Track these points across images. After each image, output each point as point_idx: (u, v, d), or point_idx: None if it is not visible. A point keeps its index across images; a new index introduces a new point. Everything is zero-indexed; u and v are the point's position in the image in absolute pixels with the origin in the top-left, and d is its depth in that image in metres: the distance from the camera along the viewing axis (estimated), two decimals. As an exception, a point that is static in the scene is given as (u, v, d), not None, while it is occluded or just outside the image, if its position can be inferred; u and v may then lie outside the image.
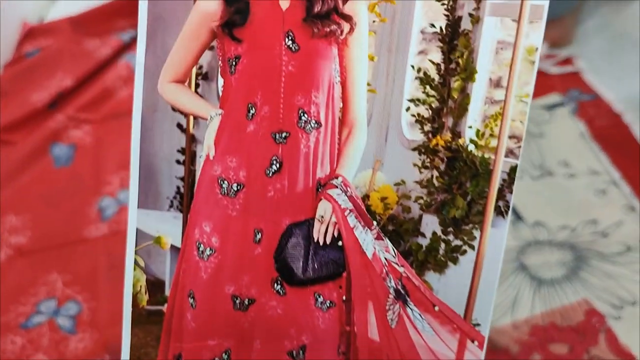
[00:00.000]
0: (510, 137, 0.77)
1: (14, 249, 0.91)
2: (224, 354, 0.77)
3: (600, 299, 0.84)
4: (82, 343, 0.84)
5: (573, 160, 1.01)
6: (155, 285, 0.83)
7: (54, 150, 1.02)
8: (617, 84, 1.12)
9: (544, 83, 1.15)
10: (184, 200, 0.86)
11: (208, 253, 0.77)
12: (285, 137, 0.75)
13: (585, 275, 0.87)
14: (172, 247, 0.82)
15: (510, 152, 0.76)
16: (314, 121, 0.76)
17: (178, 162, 0.85)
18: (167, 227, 0.85)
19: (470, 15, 0.83)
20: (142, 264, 0.81)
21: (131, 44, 1.06)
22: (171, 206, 0.88)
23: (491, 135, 0.79)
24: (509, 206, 0.75)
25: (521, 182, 0.99)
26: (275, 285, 0.77)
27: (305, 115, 0.75)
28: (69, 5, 1.14)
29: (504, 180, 0.76)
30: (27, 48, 1.13)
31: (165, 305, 0.82)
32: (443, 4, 0.83)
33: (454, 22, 0.85)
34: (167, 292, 0.83)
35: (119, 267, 0.81)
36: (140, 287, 0.80)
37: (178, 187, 0.87)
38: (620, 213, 0.93)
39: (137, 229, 0.74)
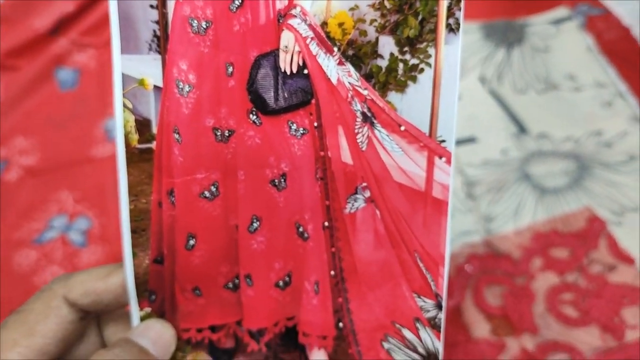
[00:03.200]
0: None
1: (25, 169, 0.93)
2: (212, 187, 0.83)
3: (602, 206, 0.85)
4: (94, 256, 0.88)
5: (579, 73, 1.00)
6: (143, 125, 0.88)
7: (59, 74, 1.03)
8: (627, -3, 1.11)
9: (551, -3, 1.14)
10: (161, 42, 0.91)
11: (187, 89, 0.82)
12: None
13: (588, 183, 0.88)
14: (155, 87, 0.86)
15: None
16: None
17: (152, 6, 0.90)
18: (149, 69, 0.89)
19: None
20: (130, 105, 0.85)
21: (130, -32, 1.06)
22: (150, 49, 0.93)
23: None
24: (459, 23, 0.77)
25: (526, 96, 0.99)
26: (251, 115, 0.82)
27: None
28: None
29: None
30: (27, -25, 1.13)
31: (154, 142, 0.87)
32: None
33: None
34: (154, 129, 0.88)
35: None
36: (131, 127, 0.84)
37: (154, 31, 0.92)
38: (626, 124, 0.93)
39: (122, 74, 0.78)
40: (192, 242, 0.84)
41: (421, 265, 0.80)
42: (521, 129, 0.96)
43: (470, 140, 0.94)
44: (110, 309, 0.57)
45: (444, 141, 0.78)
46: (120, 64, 0.78)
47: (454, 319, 0.80)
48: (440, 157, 0.78)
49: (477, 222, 0.86)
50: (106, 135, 0.96)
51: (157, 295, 0.85)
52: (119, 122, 0.72)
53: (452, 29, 0.81)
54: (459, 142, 0.94)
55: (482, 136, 0.94)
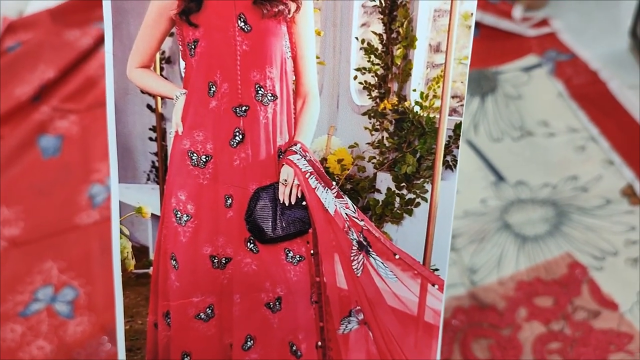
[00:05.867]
0: (452, 97, 0.83)
1: (8, 240, 0.91)
2: (207, 309, 0.84)
3: (582, 252, 0.85)
4: (80, 327, 0.86)
5: (552, 119, 1.01)
6: (140, 251, 0.89)
7: (42, 142, 1.02)
8: (593, 42, 1.12)
9: (521, 45, 1.15)
10: (159, 173, 0.92)
11: (185, 219, 0.82)
12: (245, 110, 0.82)
13: (567, 229, 0.88)
14: (153, 215, 0.87)
15: (453, 111, 0.83)
16: (270, 94, 0.82)
17: (150, 139, 0.90)
18: (146, 198, 0.90)
19: (407, -12, 0.89)
20: (127, 232, 0.86)
21: (111, 33, 1.06)
22: (148, 179, 0.93)
23: (434, 96, 0.85)
24: (456, 160, 0.80)
25: (502, 144, 0.99)
26: (248, 244, 0.83)
27: (262, 89, 0.81)
28: (47, -2, 1.14)
29: (449, 136, 0.82)
30: (8, 43, 1.12)
31: (151, 268, 0.87)
32: (381, -19, 0.89)
33: (392, -5, 0.91)
34: (152, 256, 0.89)
35: (111, 251, 0.84)
36: (127, 253, 0.85)
37: (153, 162, 0.93)
38: (600, 168, 0.94)
39: (120, 202, 0.79)
40: (187, 359, 0.85)
41: (412, 385, 0.81)
42: (499, 177, 0.96)
43: (450, 191, 0.95)
44: None
45: (437, 270, 0.80)
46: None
47: (444, 375, 0.78)
48: (434, 285, 0.80)
49: (461, 274, 0.85)
50: (90, 201, 0.95)
51: (152, 411, 0.85)
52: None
53: (450, 165, 0.84)
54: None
55: (461, 187, 0.94)
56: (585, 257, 0.84)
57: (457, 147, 0.82)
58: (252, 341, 0.83)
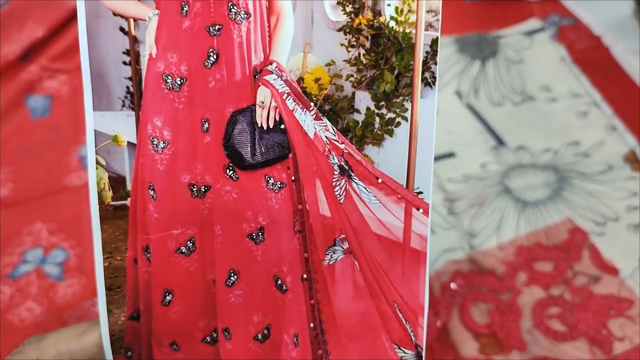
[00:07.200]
0: (428, 12, 0.80)
1: (-3, 201, 0.89)
2: (188, 242, 0.81)
3: (584, 217, 0.83)
4: (70, 289, 0.83)
5: (554, 84, 0.98)
6: (117, 182, 0.86)
7: (30, 102, 0.99)
8: (597, 6, 1.09)
9: (523, 9, 1.12)
10: (135, 99, 0.89)
11: (162, 146, 0.80)
12: (219, 29, 0.79)
13: (569, 195, 0.86)
14: (129, 143, 0.84)
15: (429, 26, 0.80)
16: (243, 12, 0.80)
17: (124, 63, 0.87)
18: (122, 125, 0.87)
19: None
20: (103, 162, 0.82)
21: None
22: (123, 105, 0.90)
23: (409, 10, 0.82)
24: (435, 77, 0.78)
25: (503, 108, 0.97)
26: (228, 171, 0.80)
27: (235, 7, 0.79)
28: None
29: (427, 52, 0.79)
30: (-5, 1, 1.08)
31: (129, 199, 0.84)
32: None
33: None
34: (129, 186, 0.86)
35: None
36: (104, 184, 0.82)
37: (127, 87, 0.90)
38: (602, 133, 0.92)
39: (95, 131, 0.76)
40: (168, 297, 0.82)
41: (400, 316, 0.78)
42: (500, 142, 0.94)
43: (449, 155, 0.92)
44: None
45: (421, 193, 0.78)
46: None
47: (442, 338, 0.77)
48: (418, 209, 0.77)
49: (460, 238, 0.83)
50: (81, 162, 0.92)
51: (134, 351, 0.82)
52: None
53: (428, 82, 0.82)
54: (439, 158, 0.92)
55: (461, 151, 0.92)
56: (586, 222, 0.82)
57: (435, 64, 0.79)
58: (235, 276, 0.81)
